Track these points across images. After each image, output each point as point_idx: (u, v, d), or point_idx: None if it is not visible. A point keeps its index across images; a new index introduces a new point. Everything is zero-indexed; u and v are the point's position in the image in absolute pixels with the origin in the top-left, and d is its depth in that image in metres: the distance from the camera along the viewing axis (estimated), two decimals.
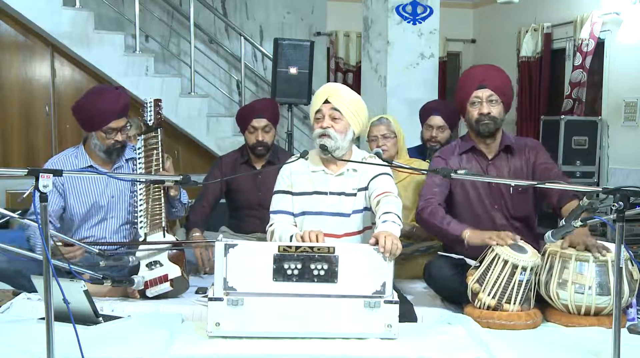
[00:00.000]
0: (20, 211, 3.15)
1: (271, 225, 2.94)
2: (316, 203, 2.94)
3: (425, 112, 4.25)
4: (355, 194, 2.95)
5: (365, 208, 2.96)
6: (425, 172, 3.01)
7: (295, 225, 2.95)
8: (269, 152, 3.92)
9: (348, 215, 2.94)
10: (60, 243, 2.95)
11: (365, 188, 2.94)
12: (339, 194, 2.94)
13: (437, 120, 4.16)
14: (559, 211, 3.06)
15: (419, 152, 4.29)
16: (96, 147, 3.28)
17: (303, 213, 2.95)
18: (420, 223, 3.23)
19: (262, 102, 4.13)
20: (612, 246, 2.71)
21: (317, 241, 2.63)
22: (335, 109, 2.90)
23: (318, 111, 2.94)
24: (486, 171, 3.17)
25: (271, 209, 3.00)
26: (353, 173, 2.97)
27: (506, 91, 3.18)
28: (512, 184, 2.96)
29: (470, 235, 2.92)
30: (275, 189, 3.03)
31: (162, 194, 3.19)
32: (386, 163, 3.00)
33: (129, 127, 3.35)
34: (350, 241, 2.92)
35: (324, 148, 2.89)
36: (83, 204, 3.27)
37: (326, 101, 2.92)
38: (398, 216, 2.72)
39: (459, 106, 3.27)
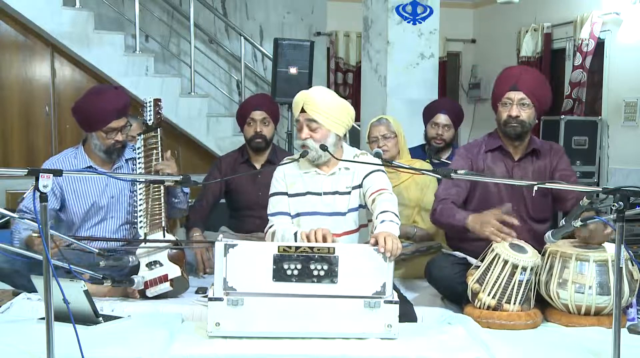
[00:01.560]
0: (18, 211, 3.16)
1: (270, 227, 2.93)
2: (310, 204, 2.93)
3: (431, 111, 4.25)
4: (349, 193, 2.94)
5: (360, 206, 2.96)
6: (426, 172, 3.00)
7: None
8: (268, 147, 3.92)
9: (344, 214, 2.93)
10: (36, 234, 2.91)
11: (359, 186, 2.94)
12: (333, 193, 2.94)
13: (443, 119, 4.16)
14: None
15: (421, 151, 4.29)
16: (96, 147, 3.27)
17: (298, 215, 2.95)
18: (435, 224, 3.25)
19: (260, 96, 4.20)
20: (612, 246, 2.71)
21: (325, 241, 2.62)
22: (312, 120, 2.87)
23: (297, 121, 2.93)
24: (511, 171, 3.16)
25: (269, 212, 2.98)
26: (345, 171, 2.96)
27: (540, 95, 3.11)
28: (536, 187, 2.93)
29: (471, 218, 2.92)
30: (271, 192, 3.02)
31: (162, 194, 3.19)
32: (387, 163, 3.00)
33: (129, 127, 3.34)
34: (348, 239, 2.92)
35: (304, 156, 2.89)
36: (82, 205, 3.27)
37: (302, 110, 2.89)
38: (395, 215, 2.72)
39: (492, 104, 3.24)
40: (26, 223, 2.81)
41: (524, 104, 3.07)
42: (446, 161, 4.08)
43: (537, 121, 3.16)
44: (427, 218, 3.52)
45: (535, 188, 2.80)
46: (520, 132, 3.11)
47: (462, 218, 2.96)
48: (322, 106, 2.87)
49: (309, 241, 2.63)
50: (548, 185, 2.74)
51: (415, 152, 4.21)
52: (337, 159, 2.92)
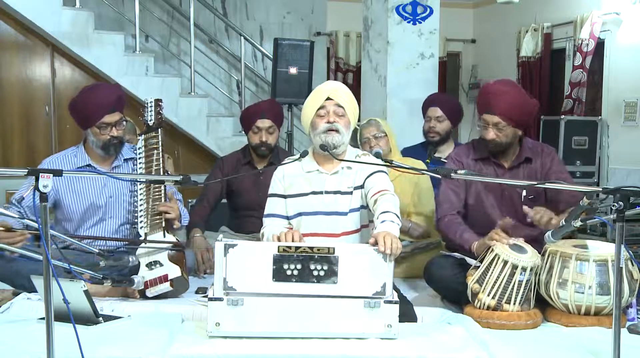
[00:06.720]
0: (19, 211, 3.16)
1: (264, 227, 2.97)
2: (312, 203, 2.94)
3: (426, 105, 4.36)
4: (351, 193, 2.95)
5: (362, 206, 2.96)
6: (426, 172, 3.01)
7: (291, 227, 2.94)
8: (271, 153, 3.93)
9: (345, 214, 2.93)
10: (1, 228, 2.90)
11: (361, 186, 2.94)
12: (335, 193, 2.94)
13: (435, 111, 4.24)
14: None
15: (420, 149, 4.29)
16: (93, 144, 3.27)
17: (299, 214, 2.95)
18: (439, 232, 3.30)
19: (267, 103, 4.15)
20: (611, 246, 2.71)
21: (293, 242, 2.64)
22: (339, 106, 2.93)
23: (321, 108, 2.94)
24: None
25: (265, 212, 3.02)
26: (348, 171, 2.97)
27: (517, 115, 3.06)
28: (524, 192, 2.96)
29: (476, 246, 2.97)
30: (269, 192, 3.04)
31: (163, 195, 3.19)
32: (387, 163, 3.00)
33: (124, 123, 3.34)
34: (348, 239, 2.92)
35: (323, 148, 2.89)
36: (80, 204, 3.27)
37: (328, 99, 2.93)
38: (396, 215, 2.72)
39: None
40: (3, 213, 2.78)
41: (499, 127, 3.08)
42: (445, 160, 4.09)
43: (519, 132, 3.13)
44: (420, 212, 3.59)
45: (524, 192, 2.83)
46: (498, 151, 3.15)
47: (468, 241, 3.00)
48: (347, 95, 2.98)
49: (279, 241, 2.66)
50: (548, 185, 2.74)
51: (415, 150, 4.23)
52: (337, 159, 2.92)
